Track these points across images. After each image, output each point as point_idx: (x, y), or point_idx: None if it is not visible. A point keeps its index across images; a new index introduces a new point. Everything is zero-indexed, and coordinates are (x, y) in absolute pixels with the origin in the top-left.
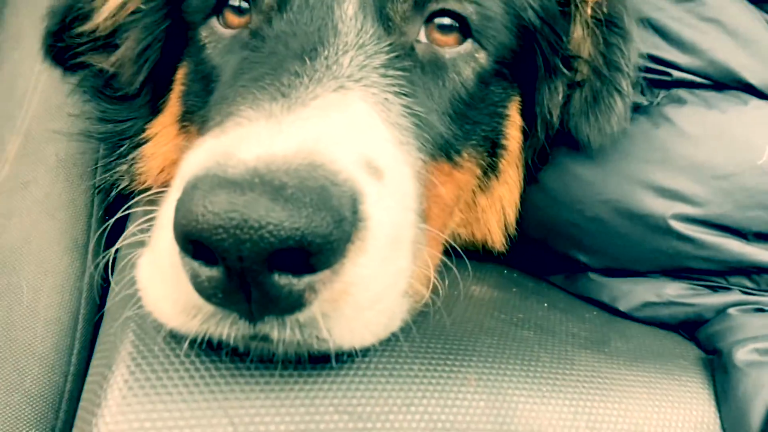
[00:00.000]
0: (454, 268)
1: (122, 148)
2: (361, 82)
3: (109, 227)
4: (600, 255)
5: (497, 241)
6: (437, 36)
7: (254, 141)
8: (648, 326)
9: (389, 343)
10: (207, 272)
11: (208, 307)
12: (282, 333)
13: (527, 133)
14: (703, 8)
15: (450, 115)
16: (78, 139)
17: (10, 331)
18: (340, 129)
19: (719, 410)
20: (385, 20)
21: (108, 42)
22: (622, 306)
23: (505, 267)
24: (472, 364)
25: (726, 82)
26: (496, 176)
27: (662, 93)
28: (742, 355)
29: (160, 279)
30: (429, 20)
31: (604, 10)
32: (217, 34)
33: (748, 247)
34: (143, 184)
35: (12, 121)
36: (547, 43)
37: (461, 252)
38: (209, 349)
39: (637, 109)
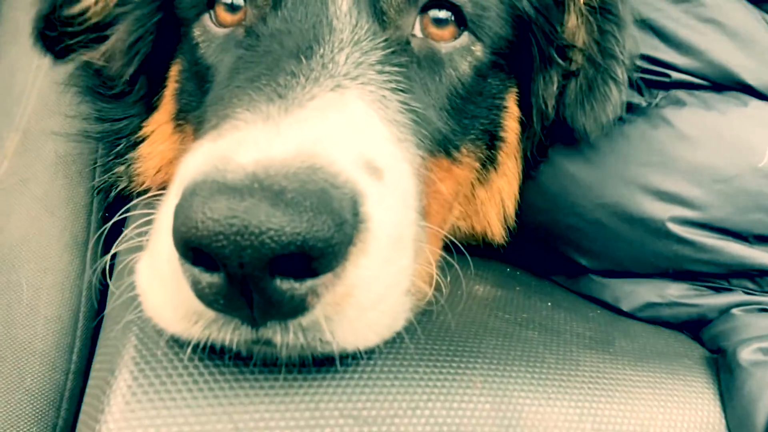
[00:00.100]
0: (456, 265)
1: (119, 147)
2: (358, 79)
3: (106, 230)
4: (600, 258)
5: (497, 233)
6: (433, 30)
7: (252, 145)
8: (651, 325)
9: (394, 345)
10: (208, 279)
11: (210, 313)
12: (285, 337)
13: (525, 125)
14: (702, 9)
15: (448, 110)
16: (76, 140)
17: (10, 329)
18: (339, 129)
19: (724, 410)
20: (379, 14)
21: (99, 36)
22: (625, 306)
23: (508, 265)
24: (477, 366)
25: (725, 83)
26: (495, 169)
27: (660, 94)
28: (746, 354)
29: (160, 284)
30: (423, 11)
31: None
32: (211, 32)
33: (749, 250)
34: (141, 185)
35: (10, 117)
36: (542, 32)
37: (462, 247)
38: (212, 353)
39: (634, 109)
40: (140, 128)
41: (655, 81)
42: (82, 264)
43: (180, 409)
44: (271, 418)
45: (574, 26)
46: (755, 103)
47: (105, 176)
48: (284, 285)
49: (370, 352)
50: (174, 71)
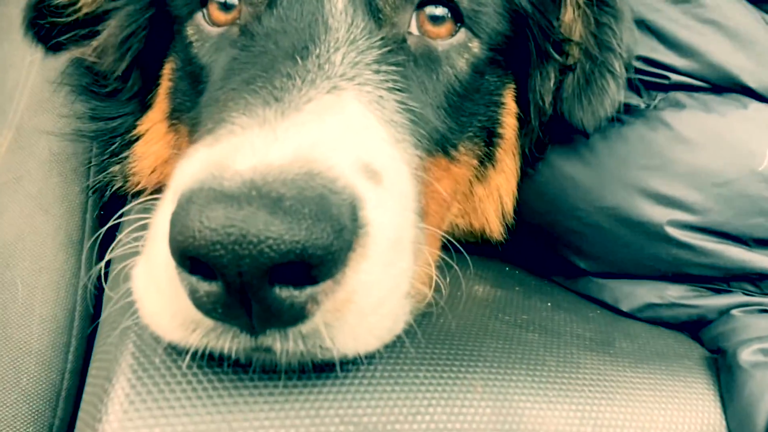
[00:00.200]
0: (455, 266)
1: (114, 146)
2: (355, 80)
3: (102, 234)
4: (599, 261)
5: (495, 230)
6: (429, 27)
7: (249, 151)
8: (651, 325)
9: (394, 349)
10: (206, 287)
11: (208, 322)
12: (285, 344)
13: (523, 121)
14: (701, 9)
15: (445, 108)
16: (70, 139)
17: (5, 329)
18: (336, 133)
19: (725, 411)
20: (375, 12)
21: (91, 31)
22: (624, 307)
23: (507, 264)
24: (478, 369)
25: (725, 85)
26: (493, 165)
27: (660, 96)
28: (746, 355)
29: (157, 292)
30: (419, 8)
31: None
32: (204, 32)
33: (749, 254)
34: (136, 184)
35: (3, 114)
36: (539, 27)
37: (460, 247)
38: (211, 360)
39: (633, 111)
40: (134, 127)
41: (654, 83)
42: (78, 263)
43: (178, 417)
44: (271, 425)
45: (571, 20)
46: (755, 105)
47: (100, 176)
48: (283, 293)
49: (370, 357)
50: (167, 69)
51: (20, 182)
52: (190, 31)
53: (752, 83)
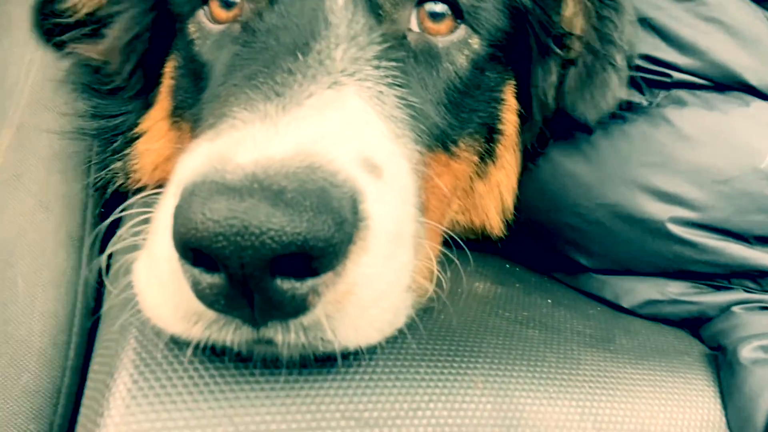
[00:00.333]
0: (456, 260)
1: (116, 144)
2: (355, 76)
3: (104, 229)
4: (600, 258)
5: (496, 226)
6: (429, 24)
7: (251, 144)
8: (651, 322)
9: (395, 345)
10: (208, 279)
11: (210, 314)
12: (286, 336)
13: (523, 117)
14: (704, 7)
15: (445, 104)
16: (71, 137)
17: (6, 326)
18: (337, 127)
19: (724, 408)
20: (375, 8)
21: (93, 30)
22: (625, 303)
23: (507, 260)
24: (479, 365)
25: (727, 84)
26: (494, 162)
27: (662, 94)
28: (747, 352)
29: (159, 285)
30: (419, 4)
31: None
32: (206, 29)
33: (750, 251)
34: (138, 182)
35: (3, 112)
36: (539, 23)
37: (461, 242)
38: (212, 354)
39: (635, 109)
40: (136, 125)
41: (656, 81)
42: (78, 260)
43: (180, 412)
44: (272, 420)
45: (572, 14)
46: (757, 104)
47: (101, 173)
48: (285, 285)
49: (371, 352)
50: (169, 67)
51: (21, 180)
52: (191, 28)
53: (755, 81)
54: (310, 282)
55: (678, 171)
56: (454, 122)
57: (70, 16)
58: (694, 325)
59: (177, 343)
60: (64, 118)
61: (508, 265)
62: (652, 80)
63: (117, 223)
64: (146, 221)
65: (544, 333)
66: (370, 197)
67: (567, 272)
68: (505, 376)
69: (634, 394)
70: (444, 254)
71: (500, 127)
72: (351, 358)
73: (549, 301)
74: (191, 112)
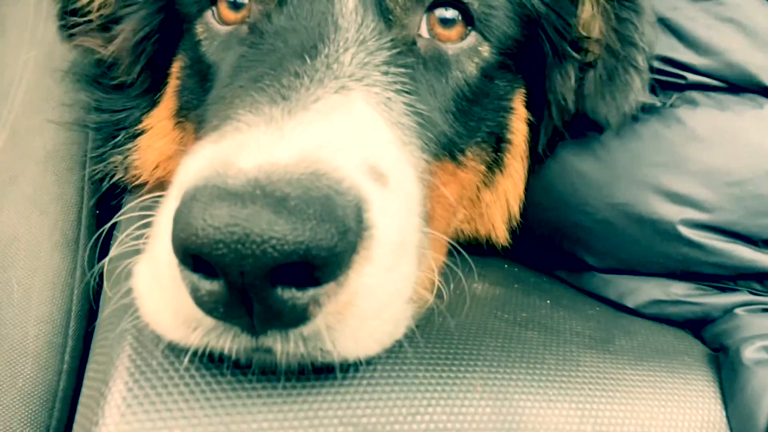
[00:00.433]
0: (460, 273)
1: (118, 138)
2: (363, 81)
3: (103, 232)
4: (607, 257)
5: (501, 236)
6: (440, 31)
7: (254, 148)
8: (651, 322)
9: (393, 349)
10: (207, 286)
11: (209, 321)
12: (285, 346)
13: (533, 125)
14: (721, 7)
15: (453, 112)
16: (70, 129)
17: (1, 329)
18: (343, 133)
19: (726, 409)
20: (385, 13)
21: (104, 25)
22: (630, 303)
23: (506, 261)
24: (477, 369)
25: (742, 85)
26: (501, 171)
27: (675, 95)
28: (749, 353)
29: (159, 290)
30: (430, 10)
31: None
32: (213, 30)
33: (758, 254)
34: (138, 177)
35: None
36: (554, 29)
37: (463, 251)
38: (209, 362)
39: (648, 109)
40: (140, 121)
41: (670, 83)
42: (73, 262)
43: (176, 420)
44: (270, 427)
45: (589, 17)
46: None
47: (99, 165)
48: (285, 294)
49: (369, 359)
50: (176, 67)
51: (15, 182)
52: (199, 29)
53: None
54: (311, 292)
55: (689, 171)
56: (462, 131)
57: (84, 15)
58: (697, 326)
59: (173, 350)
60: (62, 113)
61: (506, 265)
62: (666, 82)
63: (115, 226)
64: (147, 225)
65: (543, 334)
66: (375, 206)
67: (570, 271)
68: (504, 378)
69: (634, 395)
70: (447, 265)
71: (509, 136)
72: (349, 365)
73: (548, 302)
74: (196, 113)
